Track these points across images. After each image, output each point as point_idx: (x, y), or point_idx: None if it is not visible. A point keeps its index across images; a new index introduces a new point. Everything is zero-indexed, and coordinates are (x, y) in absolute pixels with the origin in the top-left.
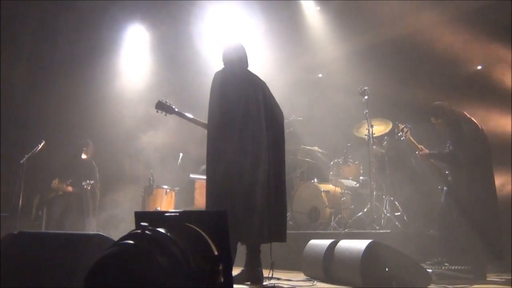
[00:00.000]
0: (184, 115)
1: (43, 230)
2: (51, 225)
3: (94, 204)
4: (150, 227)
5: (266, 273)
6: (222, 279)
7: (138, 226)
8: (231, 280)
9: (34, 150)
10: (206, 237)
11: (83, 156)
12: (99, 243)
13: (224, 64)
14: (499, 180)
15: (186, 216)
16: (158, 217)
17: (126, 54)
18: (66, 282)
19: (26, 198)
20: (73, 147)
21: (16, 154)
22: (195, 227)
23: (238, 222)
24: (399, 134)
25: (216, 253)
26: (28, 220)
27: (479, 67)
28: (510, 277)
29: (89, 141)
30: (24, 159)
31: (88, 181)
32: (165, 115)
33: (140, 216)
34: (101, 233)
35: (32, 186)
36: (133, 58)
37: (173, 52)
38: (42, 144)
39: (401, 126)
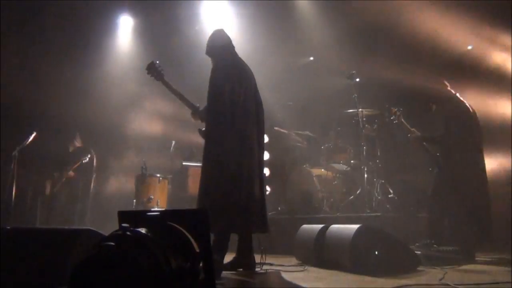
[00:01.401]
0: (172, 87)
1: (37, 222)
2: (58, 214)
3: (84, 189)
4: (131, 228)
5: (258, 259)
6: (203, 276)
7: (120, 226)
8: (212, 277)
9: (25, 141)
10: (188, 235)
11: (77, 144)
12: (88, 238)
13: (218, 54)
14: (496, 162)
15: (168, 215)
16: (140, 217)
17: (115, 41)
18: (56, 276)
19: (20, 189)
20: (61, 138)
21: (8, 146)
22: (177, 226)
23: (241, 210)
24: (391, 118)
25: (197, 250)
26: (23, 211)
27: (469, 47)
28: (498, 257)
29: (76, 132)
30: (15, 151)
31: (85, 157)
32: (153, 79)
33: (123, 215)
34: (91, 228)
35: (25, 178)
36: (122, 45)
37: (160, 39)
38: (33, 135)
39: (394, 110)
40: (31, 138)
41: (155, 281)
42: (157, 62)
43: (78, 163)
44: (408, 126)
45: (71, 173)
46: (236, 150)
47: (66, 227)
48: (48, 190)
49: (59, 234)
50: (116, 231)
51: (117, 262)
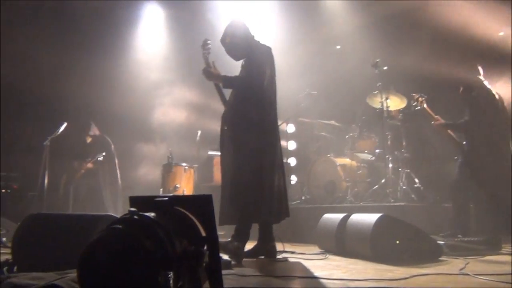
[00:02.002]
0: (218, 74)
1: (70, 207)
2: (77, 205)
3: (110, 178)
4: (138, 212)
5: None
6: (207, 259)
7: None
8: (217, 260)
9: (57, 131)
10: (194, 219)
11: (91, 133)
12: (108, 223)
13: (249, 42)
14: None
15: (175, 201)
16: (149, 202)
17: (142, 31)
18: (75, 262)
19: (53, 177)
20: (76, 127)
21: (40, 136)
22: (184, 211)
23: (264, 200)
24: (414, 104)
25: (203, 234)
26: (56, 198)
27: (501, 34)
28: None
29: (90, 122)
30: (47, 141)
31: (99, 154)
32: (203, 55)
33: (134, 200)
34: (111, 214)
35: (58, 166)
36: (149, 35)
37: (187, 29)
38: (64, 125)
39: (416, 96)
40: (62, 128)
41: (160, 263)
42: (209, 41)
43: (95, 159)
44: (432, 113)
45: (89, 164)
46: (267, 139)
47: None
48: (77, 178)
49: (80, 219)
50: (125, 215)
51: (123, 244)
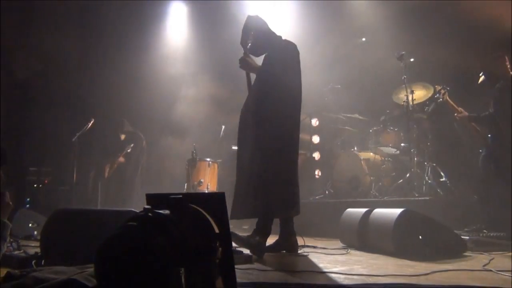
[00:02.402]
0: (255, 64)
1: (99, 202)
2: (107, 200)
3: (135, 172)
4: (152, 210)
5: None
6: (220, 256)
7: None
8: (230, 257)
9: (84, 128)
10: (208, 217)
11: (126, 129)
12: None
13: (273, 37)
14: None
15: (189, 198)
16: (164, 199)
17: (168, 28)
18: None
19: (83, 173)
20: (111, 125)
21: (71, 131)
22: (198, 208)
23: (286, 195)
24: (436, 96)
25: (217, 231)
26: (86, 193)
27: None
28: None
29: (123, 119)
30: (75, 137)
31: (128, 146)
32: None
33: (150, 198)
34: (133, 209)
35: (86, 162)
36: (175, 32)
37: (211, 25)
38: (91, 122)
39: (439, 88)
40: (89, 124)
41: (172, 260)
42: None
43: (124, 151)
44: (455, 106)
45: (121, 159)
46: (292, 134)
47: (109, 208)
48: (106, 174)
49: (103, 214)
50: (139, 212)
51: (137, 240)
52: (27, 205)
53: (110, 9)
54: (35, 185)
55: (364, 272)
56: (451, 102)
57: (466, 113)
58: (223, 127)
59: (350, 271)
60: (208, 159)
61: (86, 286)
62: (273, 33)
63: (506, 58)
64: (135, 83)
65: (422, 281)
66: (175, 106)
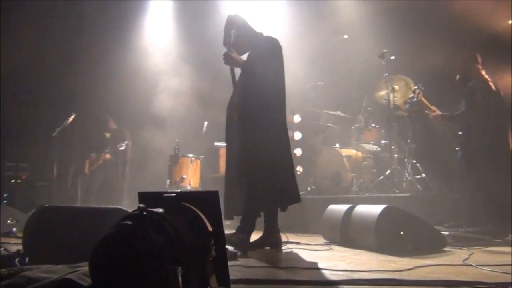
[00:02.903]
0: (239, 58)
1: (78, 199)
2: (89, 197)
3: (124, 169)
4: (147, 208)
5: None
6: (214, 254)
7: (138, 207)
8: (224, 255)
9: (65, 123)
10: (201, 215)
11: (111, 127)
12: (118, 217)
13: (256, 36)
14: None
15: (182, 196)
16: (157, 198)
17: (150, 24)
18: (87, 254)
19: (62, 168)
20: (94, 122)
21: (50, 127)
22: (191, 206)
23: (282, 188)
24: (411, 96)
25: (210, 229)
26: (65, 189)
27: (510, 22)
28: None
29: (107, 117)
30: (56, 132)
31: (121, 143)
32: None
33: (142, 196)
34: (120, 207)
35: (66, 157)
36: (157, 28)
37: (196, 21)
38: (72, 116)
39: (414, 88)
40: (70, 119)
41: (169, 258)
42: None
43: (115, 149)
44: (429, 105)
45: (107, 155)
46: (279, 127)
47: (98, 206)
48: (86, 170)
49: (90, 212)
50: (134, 211)
51: (133, 240)
52: (5, 201)
53: (91, 3)
54: (12, 181)
55: (348, 267)
56: (425, 102)
57: (439, 112)
58: (206, 123)
59: (335, 266)
60: (191, 155)
61: (81, 286)
62: (254, 30)
63: (477, 56)
64: (116, 78)
65: (405, 276)
66: (156, 101)
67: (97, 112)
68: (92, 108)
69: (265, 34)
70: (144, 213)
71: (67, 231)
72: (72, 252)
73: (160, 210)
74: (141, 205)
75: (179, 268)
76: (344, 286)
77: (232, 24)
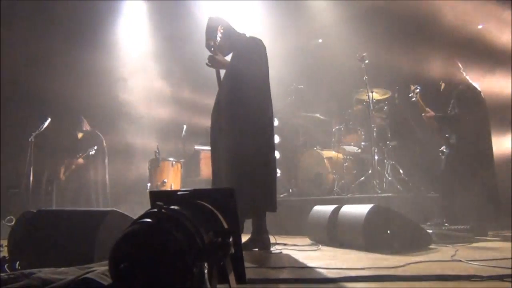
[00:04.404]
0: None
1: (53, 205)
2: (64, 202)
3: (100, 174)
4: (165, 206)
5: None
6: (233, 250)
7: (153, 205)
8: (241, 251)
9: (41, 127)
10: (217, 212)
11: (84, 128)
12: (114, 219)
13: (237, 36)
14: (497, 140)
15: (197, 194)
16: (171, 196)
17: (124, 24)
18: (84, 256)
19: (36, 174)
20: (68, 124)
21: (22, 131)
22: (206, 204)
23: (272, 192)
24: (410, 95)
25: (226, 226)
26: (38, 196)
27: (480, 26)
28: (510, 234)
29: (81, 117)
30: (32, 136)
31: (91, 148)
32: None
33: (154, 195)
34: (116, 209)
35: (40, 163)
36: (131, 29)
37: (171, 23)
38: (48, 121)
39: (413, 87)
40: (46, 124)
41: (191, 255)
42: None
43: (86, 153)
44: (424, 106)
45: (80, 160)
46: (270, 132)
47: (91, 209)
48: (61, 175)
49: (85, 215)
50: (151, 209)
51: (154, 237)
52: None
53: (64, 4)
54: None
55: (343, 266)
56: (421, 102)
57: (433, 113)
58: (185, 126)
59: (329, 265)
60: (171, 159)
61: (101, 285)
62: (237, 31)
63: (458, 62)
64: (90, 80)
65: (400, 272)
66: (136, 105)
67: (72, 114)
68: (68, 111)
69: (248, 35)
70: (163, 210)
71: (62, 234)
72: (69, 254)
73: (176, 207)
74: (159, 203)
75: (205, 264)
76: (345, 283)
77: (215, 26)
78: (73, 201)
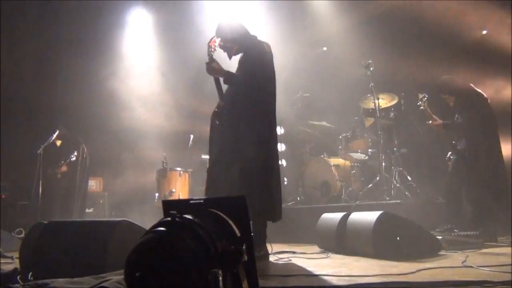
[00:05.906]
0: (221, 69)
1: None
2: (53, 212)
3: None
4: (178, 215)
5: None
6: (245, 258)
7: (167, 214)
8: (253, 258)
9: (50, 139)
10: (229, 220)
11: (62, 133)
12: (125, 228)
13: (248, 41)
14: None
15: (209, 202)
16: (184, 205)
17: (129, 36)
18: (96, 265)
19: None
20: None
21: (28, 143)
22: (218, 212)
23: (275, 201)
24: (418, 104)
25: (238, 234)
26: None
27: (484, 32)
28: None
29: (59, 124)
30: (41, 149)
31: (72, 154)
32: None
33: (167, 204)
34: (127, 219)
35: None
36: (136, 40)
37: (176, 33)
38: (56, 133)
39: (421, 96)
40: (54, 136)
41: (205, 263)
42: (216, 39)
43: (68, 159)
44: (431, 114)
45: (63, 168)
46: (274, 139)
47: (102, 219)
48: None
49: (96, 225)
50: (165, 218)
51: (169, 246)
52: None
53: (66, 14)
54: None
55: (353, 273)
56: (429, 111)
57: (441, 121)
58: (191, 136)
59: (339, 273)
60: (179, 169)
61: None
62: (248, 33)
63: (452, 80)
64: (98, 92)
65: (410, 279)
66: (142, 116)
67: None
68: (72, 123)
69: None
70: (176, 219)
71: (74, 245)
72: (82, 265)
73: (189, 216)
74: (172, 212)
75: (220, 272)
76: None
77: (222, 29)
78: (62, 212)
